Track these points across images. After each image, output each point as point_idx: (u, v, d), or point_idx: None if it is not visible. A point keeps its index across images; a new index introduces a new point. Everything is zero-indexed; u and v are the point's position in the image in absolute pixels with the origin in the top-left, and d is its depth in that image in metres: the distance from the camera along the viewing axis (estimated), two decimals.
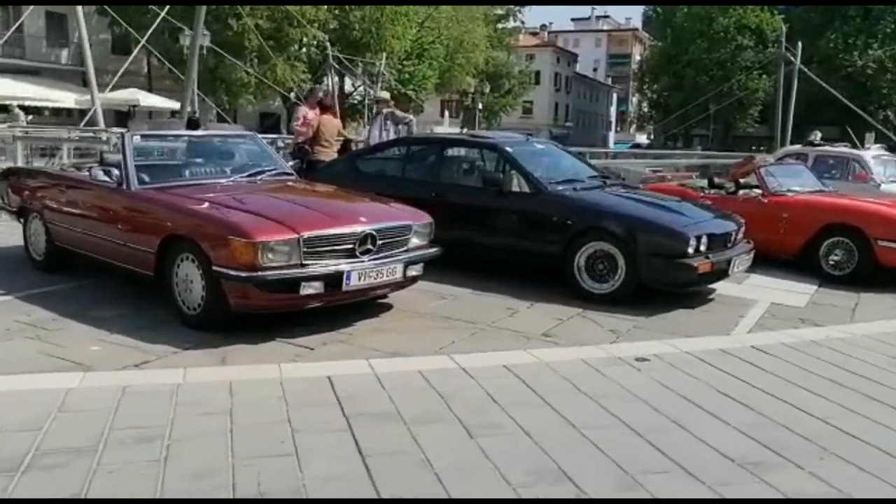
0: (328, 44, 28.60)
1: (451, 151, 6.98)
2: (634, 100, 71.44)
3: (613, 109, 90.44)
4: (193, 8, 28.30)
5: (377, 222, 4.94)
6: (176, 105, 27.27)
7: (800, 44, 27.75)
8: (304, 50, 31.65)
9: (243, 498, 2.72)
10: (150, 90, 33.95)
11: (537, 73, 70.41)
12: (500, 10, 53.06)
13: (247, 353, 4.43)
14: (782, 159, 10.19)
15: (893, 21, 44.03)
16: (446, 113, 62.12)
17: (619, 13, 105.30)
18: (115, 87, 26.61)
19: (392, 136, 9.22)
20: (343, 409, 3.54)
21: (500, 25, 53.27)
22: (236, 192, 5.22)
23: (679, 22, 54.51)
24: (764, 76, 51.05)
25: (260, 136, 6.86)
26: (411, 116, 9.99)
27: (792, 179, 8.34)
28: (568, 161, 7.25)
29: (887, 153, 10.59)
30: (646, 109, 63.98)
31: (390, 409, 3.58)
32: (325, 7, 30.24)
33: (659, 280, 5.82)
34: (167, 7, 24.88)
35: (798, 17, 49.38)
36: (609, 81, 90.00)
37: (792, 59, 24.25)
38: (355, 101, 40.36)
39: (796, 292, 6.91)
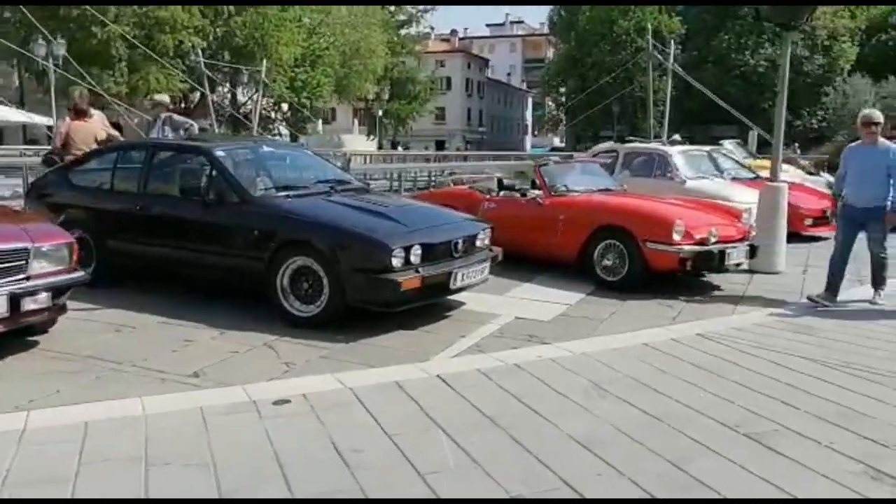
0: (199, 51, 27.21)
1: (160, 158, 6.08)
2: (550, 103, 72.00)
3: (529, 114, 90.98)
4: (57, 14, 26.92)
5: None
6: (46, 120, 25.63)
7: (672, 42, 27.87)
8: (182, 58, 30.12)
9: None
10: (21, 104, 32.03)
11: (448, 79, 70.15)
12: (402, 16, 52.46)
13: None
14: (596, 156, 9.70)
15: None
16: (355, 122, 61.32)
17: (534, 18, 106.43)
18: None
19: None
20: None
21: (403, 31, 52.61)
22: None
23: (582, 25, 55.02)
24: (664, 77, 51.99)
25: None
26: (191, 122, 9.06)
27: (579, 178, 7.77)
28: (303, 168, 6.43)
29: (698, 148, 10.21)
30: (555, 112, 64.36)
31: None
32: (199, 13, 28.85)
33: (363, 299, 5.06)
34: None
35: (693, 18, 50.45)
36: (525, 86, 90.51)
37: (661, 59, 24.23)
38: (249, 111, 39.09)
39: (554, 303, 6.28)
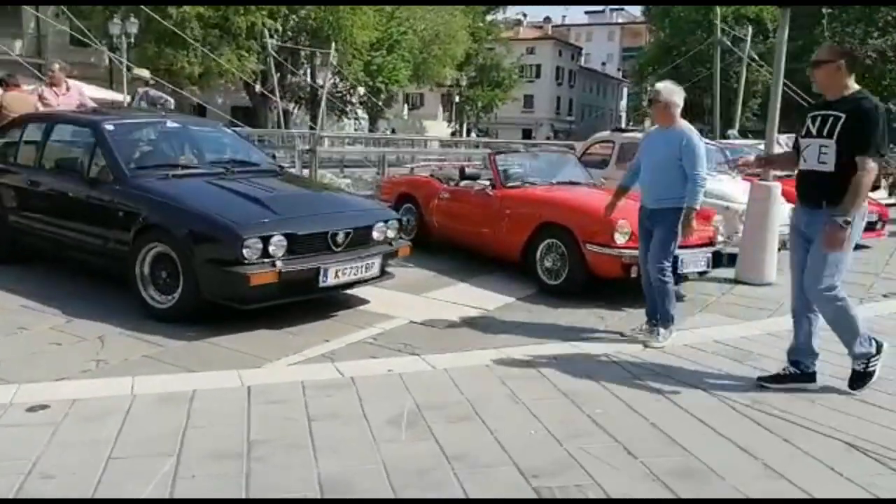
0: (267, 32, 27.42)
1: (59, 131, 5.77)
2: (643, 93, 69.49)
3: (624, 103, 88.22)
4: None
5: None
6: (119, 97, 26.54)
7: (749, 28, 25.89)
8: (256, 39, 30.48)
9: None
10: (110, 84, 33.36)
11: (537, 67, 68.91)
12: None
13: None
14: (591, 146, 8.87)
15: (893, 8, 41.57)
16: (440, 108, 61.00)
17: (635, 6, 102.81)
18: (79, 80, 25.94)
19: None
20: None
21: (488, 17, 51.77)
22: None
23: (677, 11, 52.58)
24: (763, 68, 49.03)
25: None
26: (167, 97, 8.85)
27: (542, 170, 7.03)
28: (208, 147, 5.95)
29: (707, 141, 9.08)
30: (646, 103, 61.90)
31: None
32: None
33: (213, 293, 4.58)
34: None
35: (796, 6, 47.20)
36: (621, 75, 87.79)
37: (730, 45, 22.54)
38: (334, 93, 39.34)
39: (472, 307, 5.62)
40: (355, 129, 41.84)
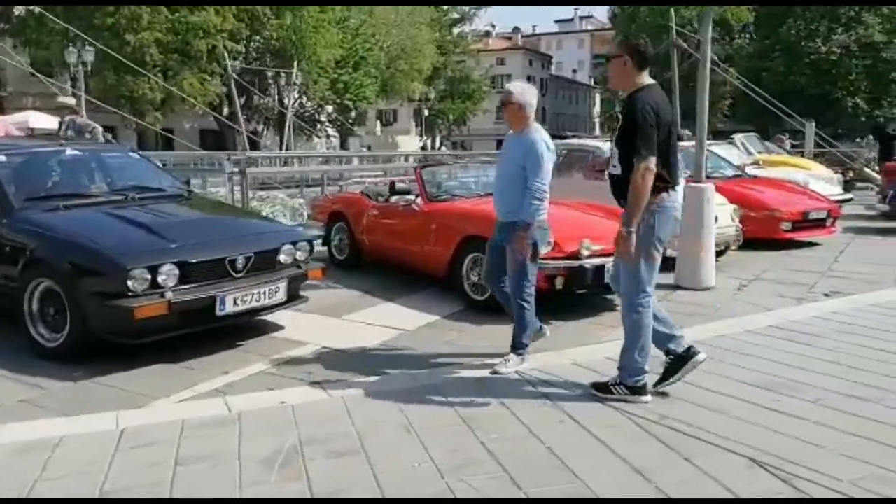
0: (227, 55, 27.19)
1: None
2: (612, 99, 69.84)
3: (597, 110, 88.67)
4: (92, 23, 27.47)
5: None
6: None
7: (710, 28, 25.82)
8: (218, 63, 30.21)
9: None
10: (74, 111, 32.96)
11: (508, 77, 68.98)
12: (455, 14, 51.74)
13: None
14: None
15: (856, 3, 42.07)
16: (412, 123, 60.93)
17: (603, 13, 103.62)
18: (42, 110, 25.52)
19: None
20: None
21: (456, 29, 51.89)
22: None
23: (643, 17, 52.89)
24: (731, 68, 49.41)
25: None
26: (94, 124, 8.61)
27: (474, 181, 6.82)
28: (110, 173, 5.68)
29: None
30: (617, 109, 62.13)
31: None
32: (232, 17, 28.88)
33: (103, 329, 4.34)
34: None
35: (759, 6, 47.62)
36: (592, 82, 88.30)
37: (685, 46, 22.47)
38: (301, 113, 39.11)
39: (392, 328, 5.40)
40: (327, 148, 41.63)
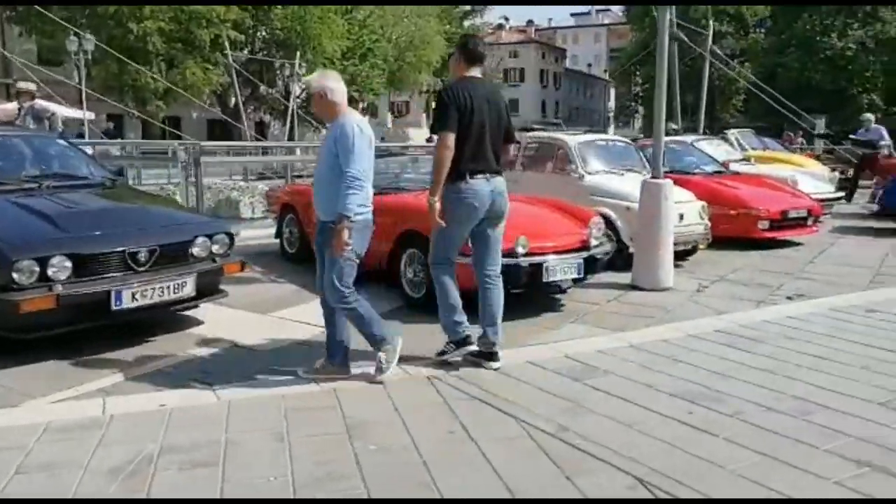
0: (228, 44, 27.01)
1: None
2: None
3: (612, 104, 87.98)
4: (95, 11, 27.43)
5: None
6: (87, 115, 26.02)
7: (711, 22, 25.38)
8: (222, 52, 30.07)
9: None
10: (80, 101, 32.98)
11: (521, 71, 68.72)
12: (465, 7, 51.33)
13: None
14: None
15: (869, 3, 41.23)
16: (424, 115, 60.61)
17: (620, 6, 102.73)
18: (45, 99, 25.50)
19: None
20: None
21: (466, 23, 51.45)
22: None
23: (657, 11, 52.24)
24: (747, 63, 48.67)
25: None
26: (54, 109, 8.42)
27: (424, 174, 6.54)
28: (30, 159, 5.47)
29: (611, 137, 8.63)
30: (630, 103, 61.56)
31: None
32: (236, 7, 28.71)
33: None
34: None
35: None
36: (607, 76, 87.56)
37: (685, 39, 21.94)
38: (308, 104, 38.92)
39: (315, 326, 5.13)
40: None
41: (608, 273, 6.74)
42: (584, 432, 3.34)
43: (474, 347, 4.25)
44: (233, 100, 33.45)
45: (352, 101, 4.11)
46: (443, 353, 4.30)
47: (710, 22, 24.79)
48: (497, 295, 4.29)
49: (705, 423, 3.45)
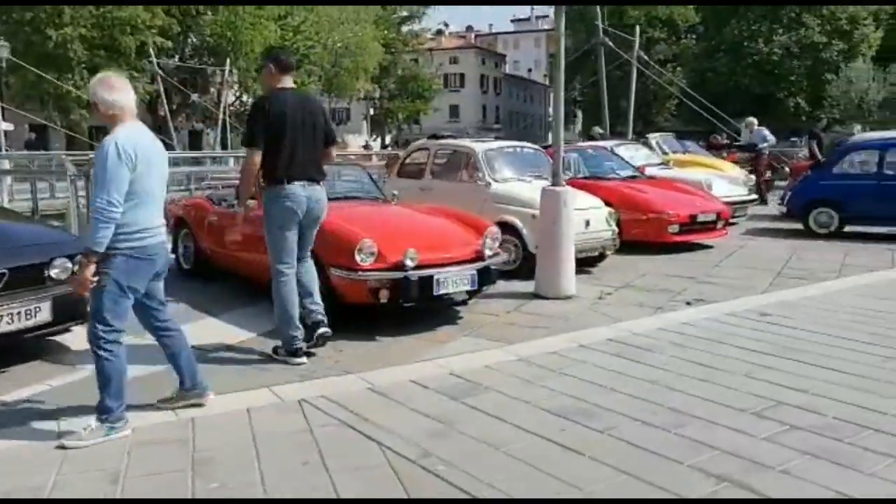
0: (153, 51, 26.30)
1: None
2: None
3: (551, 110, 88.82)
4: (11, 17, 26.37)
5: None
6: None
7: (637, 28, 25.89)
8: (149, 60, 29.22)
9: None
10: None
11: (461, 76, 68.94)
12: (404, 12, 51.20)
13: None
14: (410, 155, 8.32)
15: (796, 5, 42.58)
16: (364, 122, 60.30)
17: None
18: None
19: None
20: None
21: (404, 28, 51.37)
22: None
23: (591, 16, 52.99)
24: (678, 68, 49.73)
25: None
26: None
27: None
28: None
29: (521, 145, 8.58)
30: (571, 107, 62.20)
31: None
32: (162, 12, 27.95)
33: None
34: None
35: (705, 6, 48.14)
36: (547, 81, 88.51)
37: (611, 45, 22.37)
38: (242, 111, 38.20)
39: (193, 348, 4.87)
40: None
41: (513, 282, 6.67)
42: (448, 457, 3.19)
43: (304, 361, 4.56)
44: (162, 109, 32.66)
45: None
46: (275, 351, 4.65)
47: (637, 28, 25.18)
48: (309, 271, 4.69)
49: (575, 441, 3.34)
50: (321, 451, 3.25)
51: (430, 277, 5.00)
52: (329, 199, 6.09)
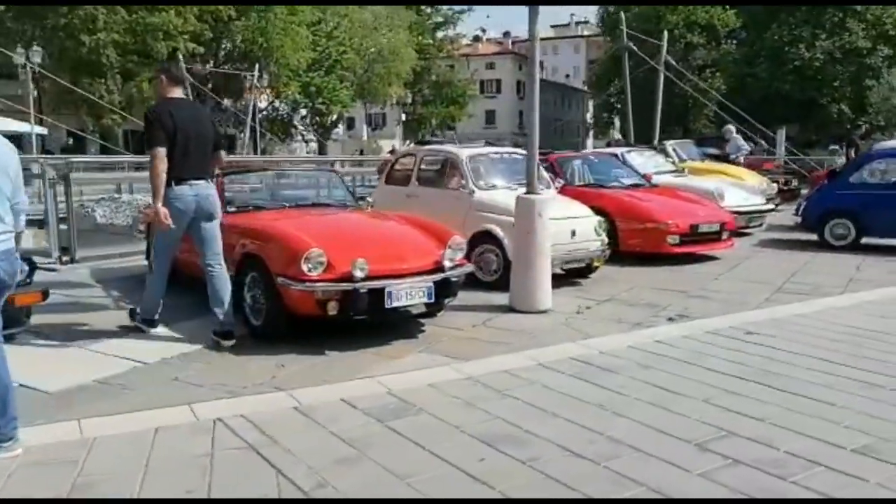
0: (181, 57, 26.56)
1: None
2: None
3: (590, 115, 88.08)
4: (45, 23, 26.92)
5: None
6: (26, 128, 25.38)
7: (665, 33, 25.24)
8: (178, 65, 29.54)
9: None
10: (40, 114, 32.38)
11: (498, 82, 68.71)
12: (439, 18, 51.14)
13: None
14: (398, 161, 8.09)
15: (839, 9, 41.34)
16: (398, 127, 60.40)
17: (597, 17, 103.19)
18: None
19: None
20: None
21: (439, 34, 51.29)
22: None
23: (629, 22, 52.25)
24: (718, 73, 48.69)
25: None
26: None
27: (289, 192, 6.20)
28: None
29: (510, 151, 8.27)
30: (606, 114, 61.46)
31: None
32: (194, 18, 28.27)
33: None
34: None
35: (745, 10, 47.09)
36: (586, 87, 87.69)
37: (636, 49, 21.80)
38: (274, 116, 38.54)
39: (131, 360, 4.70)
40: (306, 152, 40.96)
41: (492, 293, 6.39)
42: (345, 488, 2.94)
43: (158, 330, 5.17)
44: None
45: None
46: (132, 314, 5.29)
47: (665, 34, 24.57)
48: (220, 280, 4.90)
49: (490, 472, 3.06)
50: (212, 479, 3.03)
51: (382, 289, 4.75)
52: (291, 206, 5.97)
